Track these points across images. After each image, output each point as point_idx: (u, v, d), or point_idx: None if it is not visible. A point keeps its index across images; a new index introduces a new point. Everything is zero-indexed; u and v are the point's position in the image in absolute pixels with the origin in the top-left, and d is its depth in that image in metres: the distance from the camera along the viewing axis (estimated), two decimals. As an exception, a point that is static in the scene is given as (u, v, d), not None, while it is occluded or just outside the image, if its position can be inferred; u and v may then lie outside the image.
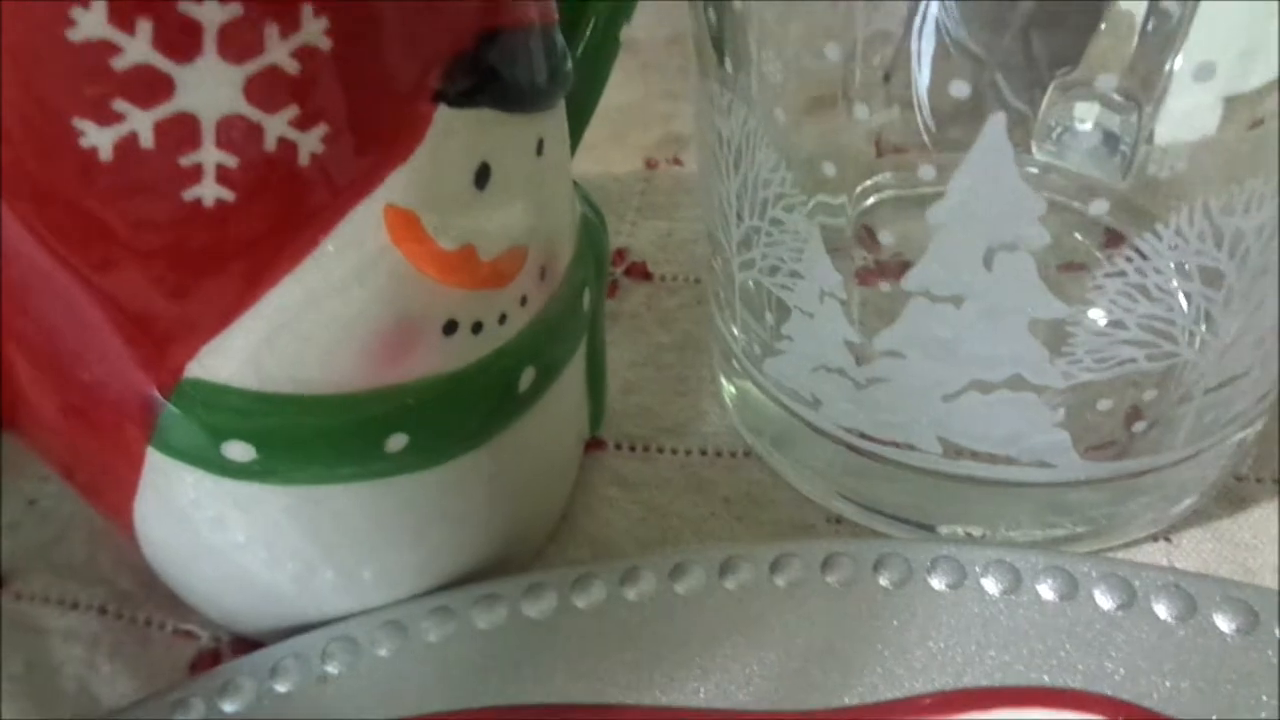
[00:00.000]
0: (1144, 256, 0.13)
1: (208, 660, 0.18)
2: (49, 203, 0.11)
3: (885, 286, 0.15)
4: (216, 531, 0.15)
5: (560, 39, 0.14)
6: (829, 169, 0.15)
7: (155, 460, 0.14)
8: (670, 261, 0.26)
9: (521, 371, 0.15)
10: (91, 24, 0.09)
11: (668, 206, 0.27)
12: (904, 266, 0.14)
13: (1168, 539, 0.18)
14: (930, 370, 0.15)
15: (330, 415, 0.13)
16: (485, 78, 0.12)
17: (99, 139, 0.10)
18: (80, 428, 0.14)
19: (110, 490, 0.15)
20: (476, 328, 0.14)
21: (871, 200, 0.21)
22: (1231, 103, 0.14)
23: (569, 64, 0.15)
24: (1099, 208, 0.14)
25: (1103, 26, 0.21)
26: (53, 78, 0.10)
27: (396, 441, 0.14)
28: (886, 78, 0.15)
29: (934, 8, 0.14)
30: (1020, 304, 0.14)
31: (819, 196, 0.15)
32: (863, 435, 0.17)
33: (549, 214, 0.15)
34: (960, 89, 0.13)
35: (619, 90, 0.20)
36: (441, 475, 0.15)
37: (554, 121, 0.15)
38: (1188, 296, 0.13)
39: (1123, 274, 0.13)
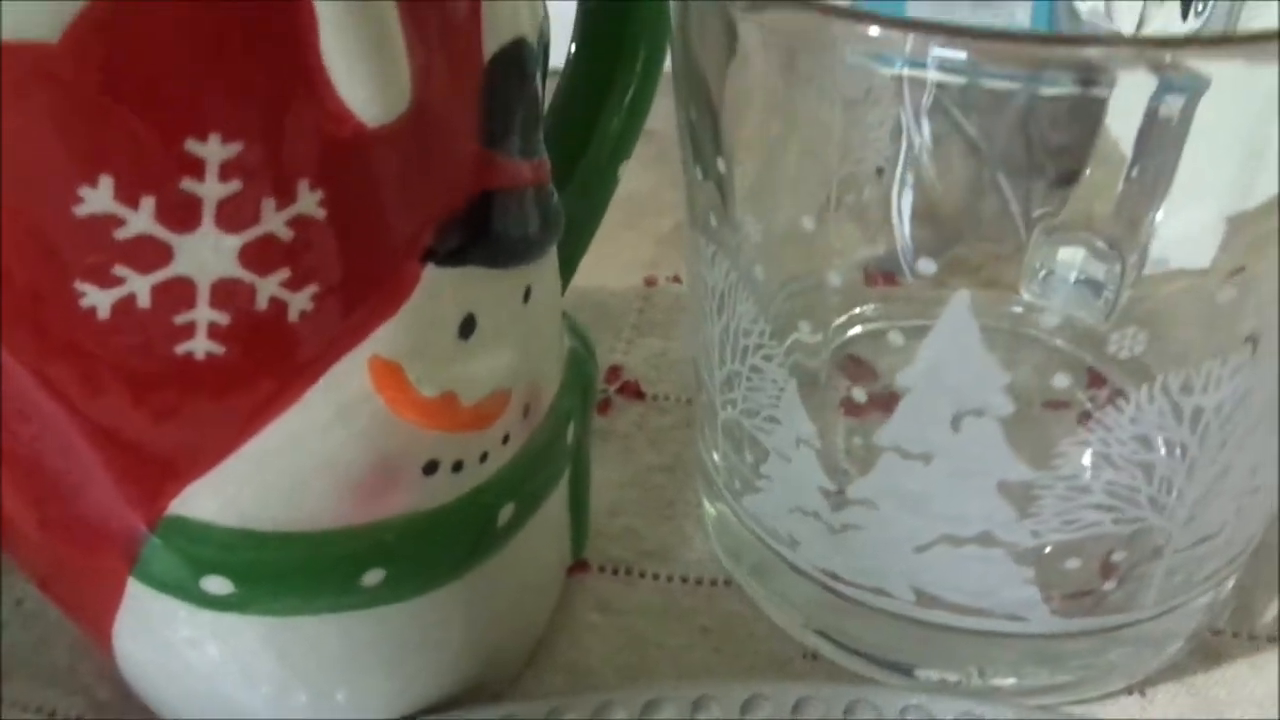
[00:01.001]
0: (1107, 428, 0.13)
1: (179, 777, 0.18)
2: (45, 346, 0.11)
3: (869, 419, 0.16)
4: (193, 654, 0.15)
5: (553, 193, 0.15)
6: (805, 327, 0.15)
7: (136, 588, 0.14)
8: (664, 381, 0.26)
9: (501, 507, 0.16)
10: (98, 200, 0.10)
11: (665, 325, 0.28)
12: (890, 398, 0.15)
13: (1142, 692, 0.18)
14: (902, 521, 0.15)
15: (308, 551, 0.14)
16: (475, 238, 0.13)
17: (98, 300, 0.11)
18: (61, 548, 0.14)
19: (89, 609, 0.15)
20: (457, 466, 0.15)
21: (857, 329, 0.22)
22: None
23: (560, 217, 0.15)
24: (1081, 356, 0.14)
25: (1087, 172, 0.22)
26: (58, 245, 0.10)
27: (373, 576, 0.14)
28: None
29: (918, 147, 0.15)
30: (988, 466, 0.14)
31: (796, 336, 0.16)
32: (838, 577, 0.17)
33: (534, 355, 0.16)
34: (934, 245, 0.14)
35: (632, 177, 0.20)
36: (417, 606, 0.16)
37: (543, 268, 0.15)
38: (1151, 466, 0.14)
39: (1087, 443, 0.14)
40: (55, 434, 0.12)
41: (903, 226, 0.16)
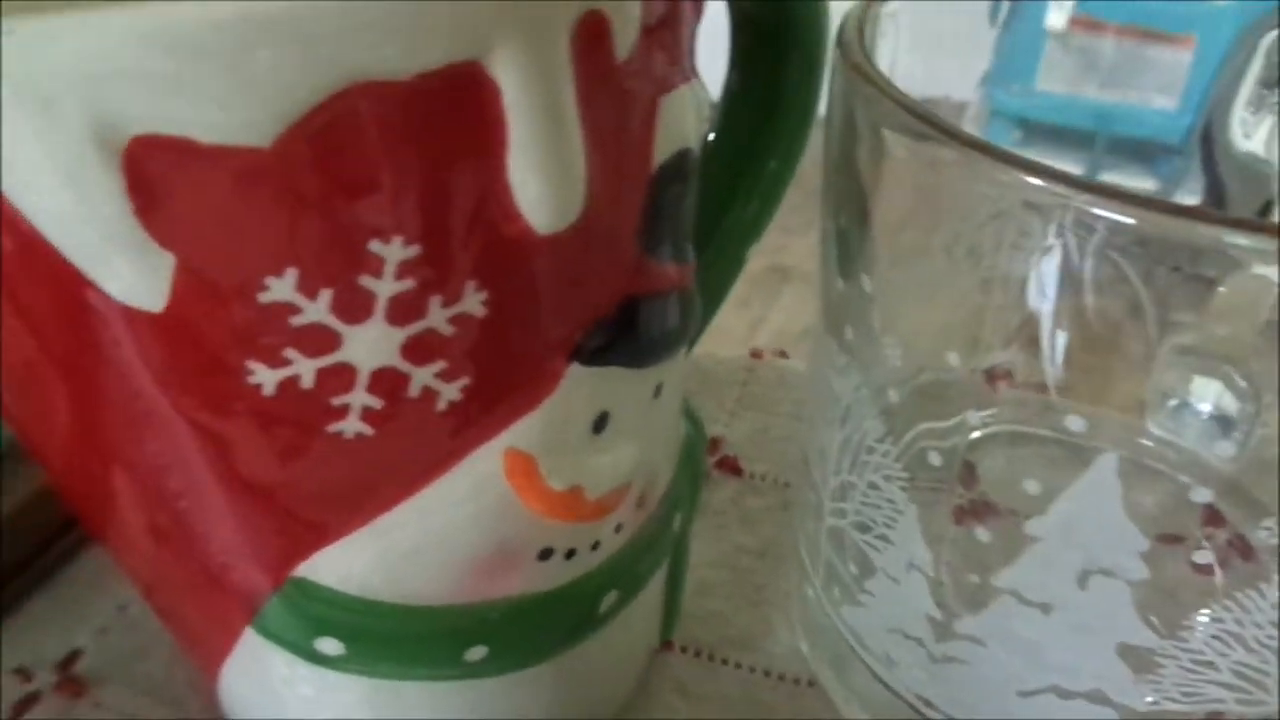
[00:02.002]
0: (1245, 609, 0.13)
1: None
2: (209, 412, 0.12)
3: (989, 556, 0.15)
4: (295, 700, 0.15)
5: (695, 296, 0.15)
6: (935, 457, 0.15)
7: (251, 637, 0.14)
8: (763, 459, 0.26)
9: (606, 594, 0.16)
10: (281, 290, 0.10)
11: (768, 401, 0.28)
12: (1015, 539, 0.14)
13: None
14: (1010, 664, 0.15)
15: (420, 624, 0.14)
16: (621, 340, 0.13)
17: (265, 378, 0.11)
18: (182, 590, 0.15)
19: (201, 643, 0.16)
20: (570, 554, 0.15)
21: (977, 434, 0.21)
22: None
23: (698, 317, 0.15)
24: (1201, 495, 0.14)
25: (1221, 290, 0.21)
26: (238, 326, 0.11)
27: (476, 652, 0.15)
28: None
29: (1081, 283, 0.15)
30: (1110, 626, 0.14)
31: (922, 461, 0.16)
32: (931, 704, 0.17)
33: (657, 447, 0.16)
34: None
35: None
36: (510, 681, 0.16)
37: (675, 364, 0.15)
38: (1287, 651, 0.13)
39: (1220, 620, 0.13)
40: (201, 491, 0.13)
41: (1054, 359, 0.15)
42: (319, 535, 0.13)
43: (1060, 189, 0.11)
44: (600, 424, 0.14)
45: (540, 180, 0.11)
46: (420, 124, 0.10)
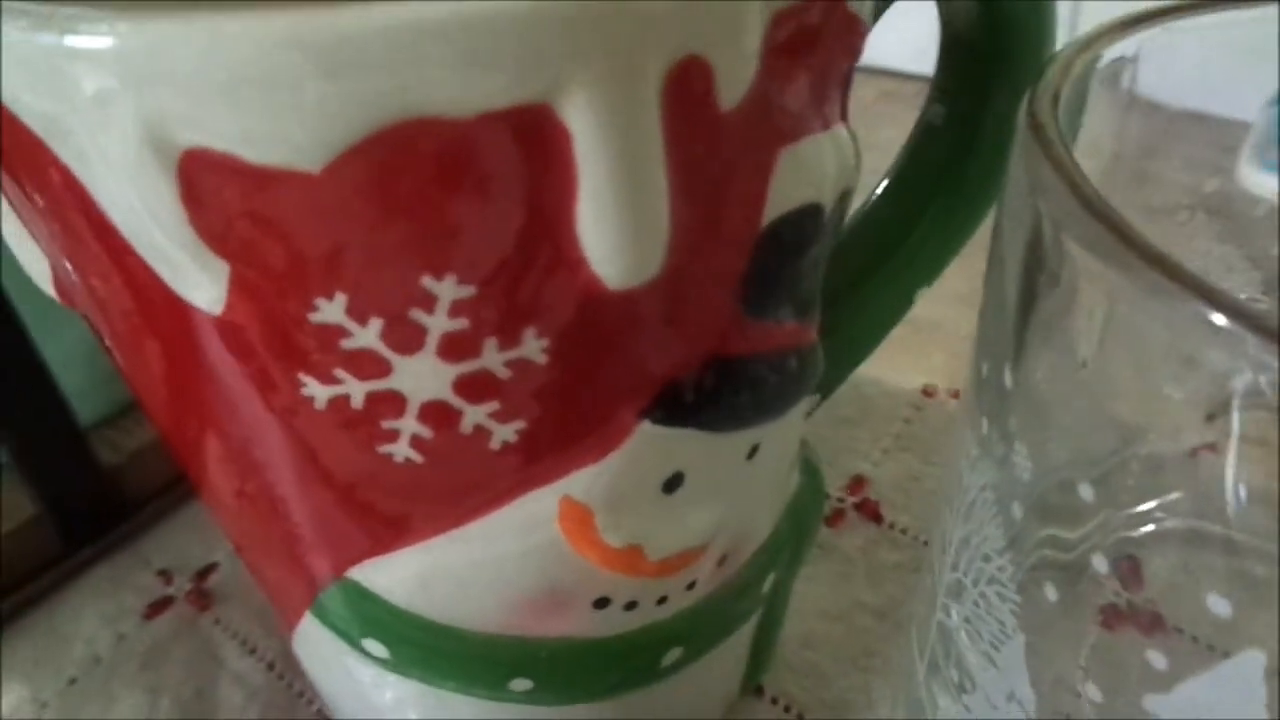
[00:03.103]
0: None
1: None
2: (271, 403, 0.12)
3: (1134, 635, 0.13)
4: (350, 680, 0.16)
5: (815, 355, 0.14)
6: (1051, 590, 0.13)
7: (312, 618, 0.15)
8: (907, 510, 0.24)
9: (668, 650, 0.15)
10: (331, 313, 0.10)
11: (928, 446, 0.26)
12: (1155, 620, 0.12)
13: None
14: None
15: (463, 647, 0.14)
16: (703, 404, 0.12)
17: (316, 392, 0.11)
18: (263, 557, 0.15)
19: (277, 607, 0.16)
20: (630, 605, 0.14)
21: (1140, 531, 0.19)
22: None
23: (810, 379, 0.14)
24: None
25: None
26: (292, 339, 0.10)
27: (521, 684, 0.14)
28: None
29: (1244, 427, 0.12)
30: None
31: (1037, 593, 0.14)
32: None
33: (746, 509, 0.15)
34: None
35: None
36: (562, 713, 0.15)
37: (781, 425, 0.14)
38: None
39: None
40: (279, 469, 0.13)
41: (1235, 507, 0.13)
42: (371, 543, 0.13)
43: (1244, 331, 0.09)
44: (673, 484, 0.13)
45: (613, 235, 0.10)
46: (480, 165, 0.09)
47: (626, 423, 0.12)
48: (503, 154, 0.09)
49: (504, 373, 0.11)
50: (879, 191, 0.19)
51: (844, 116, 0.13)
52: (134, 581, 0.23)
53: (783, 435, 0.14)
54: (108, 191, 0.10)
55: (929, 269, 0.19)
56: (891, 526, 0.24)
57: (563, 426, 0.12)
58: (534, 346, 0.11)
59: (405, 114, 0.09)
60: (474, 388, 0.11)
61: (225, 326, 0.11)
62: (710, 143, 0.10)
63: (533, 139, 0.09)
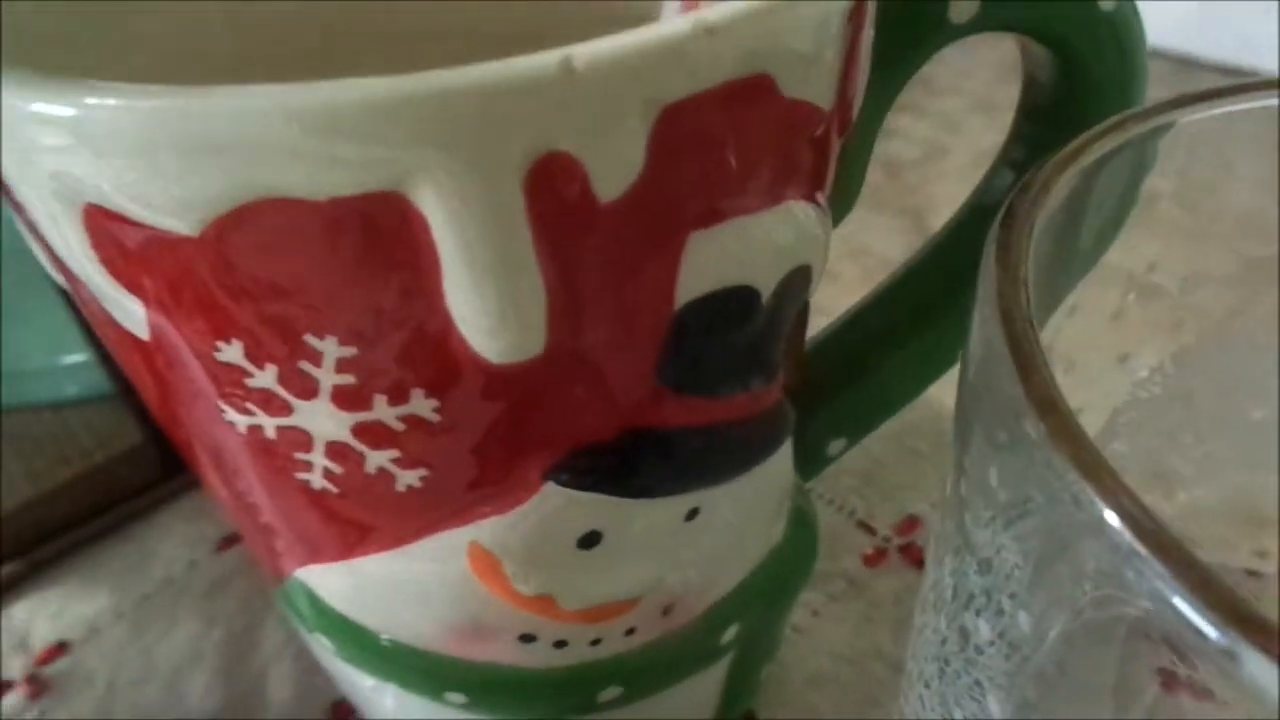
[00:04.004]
0: None
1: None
2: (208, 435, 0.13)
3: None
4: (325, 654, 0.17)
5: (763, 426, 0.13)
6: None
7: (280, 601, 0.16)
8: (955, 560, 0.23)
9: (605, 687, 0.15)
10: (231, 354, 0.11)
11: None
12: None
13: None
14: None
15: (398, 655, 0.14)
16: (615, 472, 0.12)
17: (235, 419, 0.12)
18: (246, 535, 0.16)
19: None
20: (559, 644, 0.14)
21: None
22: None
23: (766, 448, 0.13)
24: None
25: None
26: (209, 371, 0.11)
27: (456, 697, 0.15)
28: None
29: None
30: None
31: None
32: None
33: (691, 565, 0.14)
34: None
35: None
36: (505, 726, 0.16)
37: (728, 490, 0.14)
38: None
39: None
40: (232, 480, 0.14)
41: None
42: (309, 553, 0.14)
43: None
44: (589, 541, 0.13)
45: (481, 317, 0.10)
46: (337, 243, 0.09)
47: (532, 481, 0.12)
48: (359, 235, 0.09)
49: (398, 425, 0.11)
50: (930, 246, 0.18)
51: (817, 186, 0.12)
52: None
53: (738, 497, 0.14)
54: (47, 232, 0.11)
55: (932, 368, 0.18)
56: (933, 576, 0.22)
57: (465, 479, 0.12)
58: (424, 405, 0.11)
59: (260, 193, 0.09)
60: (372, 435, 0.11)
61: (156, 350, 0.11)
62: (589, 233, 0.10)
63: (389, 223, 0.09)
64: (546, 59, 0.09)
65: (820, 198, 0.12)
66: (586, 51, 0.09)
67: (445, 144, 0.09)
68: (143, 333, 0.11)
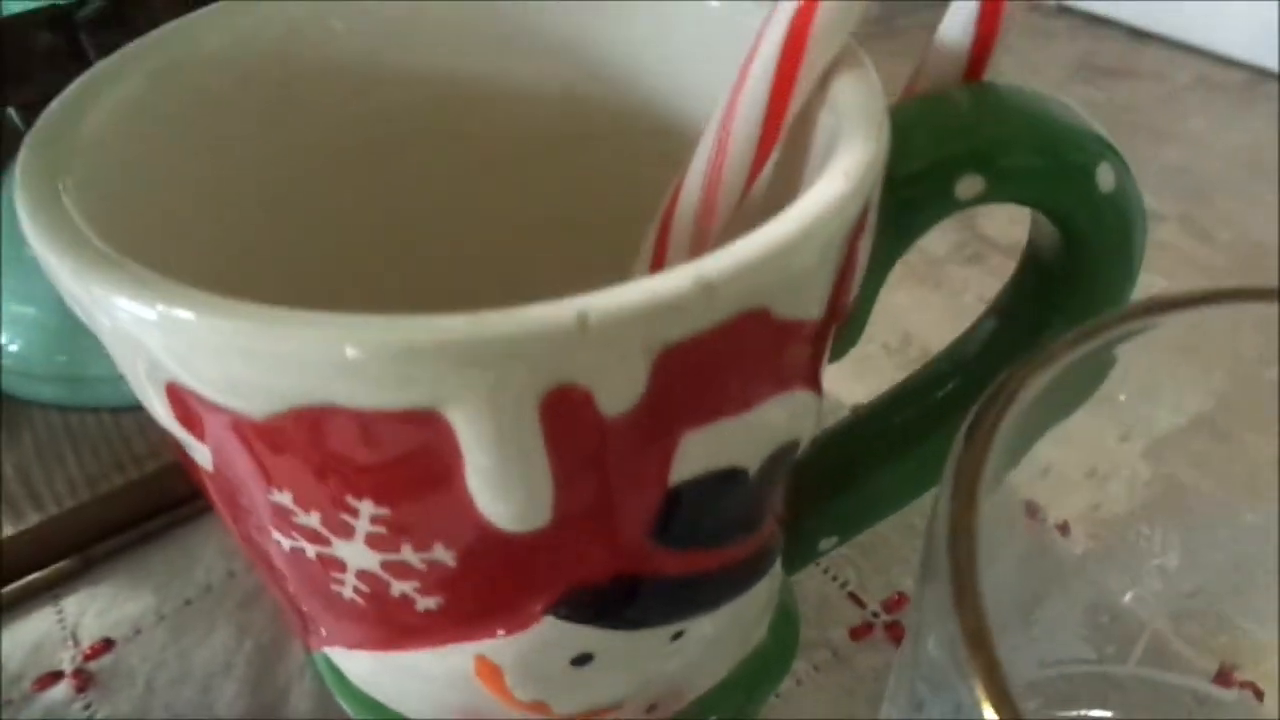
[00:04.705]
0: None
1: None
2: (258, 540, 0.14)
3: None
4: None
5: (748, 566, 0.15)
6: None
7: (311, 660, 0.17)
8: (935, 642, 0.24)
9: (590, 767, 0.17)
10: (282, 499, 0.12)
11: (983, 579, 0.25)
12: None
13: None
14: None
15: (407, 728, 0.16)
16: (609, 610, 0.14)
17: (280, 540, 0.13)
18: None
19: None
20: (551, 731, 0.16)
21: None
22: None
23: (751, 580, 0.15)
24: None
25: None
26: (257, 503, 0.13)
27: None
28: None
29: None
30: None
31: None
32: None
33: (675, 675, 0.16)
34: None
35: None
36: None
37: (716, 615, 0.15)
38: None
39: None
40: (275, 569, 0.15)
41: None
42: (335, 638, 0.15)
43: None
44: (582, 661, 0.14)
45: (496, 502, 0.11)
46: (378, 439, 0.11)
47: (534, 614, 0.13)
48: (397, 435, 0.11)
49: (420, 565, 0.13)
50: (928, 370, 0.19)
51: (811, 374, 0.13)
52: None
53: (723, 616, 0.16)
54: (131, 379, 0.12)
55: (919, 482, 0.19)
56: (913, 655, 0.24)
57: (474, 608, 0.13)
58: (444, 554, 0.12)
59: (314, 400, 0.10)
60: (397, 570, 0.13)
61: (217, 477, 0.13)
62: (593, 440, 0.11)
63: (422, 428, 0.11)
64: (564, 312, 0.10)
65: (813, 382, 0.13)
66: (599, 307, 0.10)
67: (473, 382, 0.10)
68: (207, 465, 0.13)
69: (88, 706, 0.24)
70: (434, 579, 0.13)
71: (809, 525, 0.19)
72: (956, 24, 0.16)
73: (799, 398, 0.13)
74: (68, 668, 0.25)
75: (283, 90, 0.18)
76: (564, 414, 0.11)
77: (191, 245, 0.16)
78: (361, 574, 0.13)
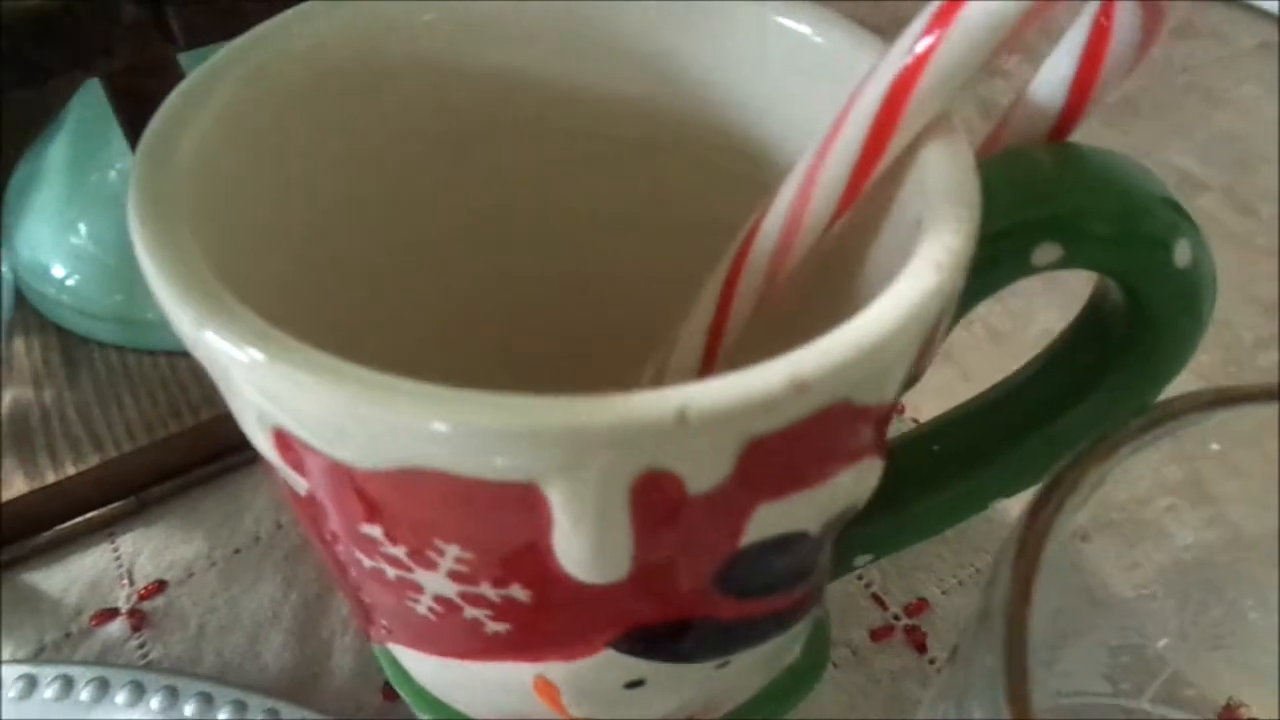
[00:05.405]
0: None
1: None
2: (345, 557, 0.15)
3: None
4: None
5: (797, 609, 0.15)
6: None
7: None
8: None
9: (628, 767, 0.18)
10: (372, 531, 0.13)
11: (1005, 590, 0.26)
12: None
13: None
14: None
15: (460, 722, 0.17)
16: (667, 648, 0.14)
17: (364, 560, 0.14)
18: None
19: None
20: (597, 738, 0.17)
21: None
22: None
23: (796, 621, 0.16)
24: None
25: None
26: (351, 533, 0.13)
27: (503, 756, 0.18)
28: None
29: None
30: None
31: None
32: None
33: (717, 692, 0.17)
34: None
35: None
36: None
37: (759, 649, 0.16)
38: None
39: None
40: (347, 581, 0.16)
41: None
42: (402, 640, 0.16)
43: None
44: (635, 685, 0.15)
45: (580, 564, 0.12)
46: (475, 502, 0.11)
47: (596, 646, 0.14)
48: (492, 500, 0.11)
49: (496, 598, 0.13)
50: (987, 403, 0.19)
51: (879, 445, 0.14)
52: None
53: (766, 648, 0.16)
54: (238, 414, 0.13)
55: (1011, 486, 0.19)
56: (932, 662, 0.25)
57: (541, 636, 0.14)
58: (519, 592, 0.13)
59: (417, 463, 0.11)
60: (473, 600, 0.14)
61: (310, 502, 0.14)
62: (678, 516, 0.12)
63: (518, 497, 0.11)
64: (664, 407, 0.10)
65: (881, 450, 0.14)
66: (697, 405, 0.10)
67: (571, 466, 0.11)
68: (301, 491, 0.13)
69: (142, 645, 0.25)
70: (506, 610, 0.14)
71: (846, 544, 0.20)
72: (1050, 82, 0.16)
73: (866, 464, 0.14)
74: (123, 606, 0.26)
75: (368, 87, 0.18)
76: (652, 494, 0.11)
77: (282, 249, 0.16)
78: (438, 598, 0.14)
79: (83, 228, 0.30)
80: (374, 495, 0.12)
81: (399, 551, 0.13)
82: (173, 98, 0.15)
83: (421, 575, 0.13)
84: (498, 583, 0.13)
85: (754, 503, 0.12)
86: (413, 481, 0.11)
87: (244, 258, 0.14)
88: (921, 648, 0.25)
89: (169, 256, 0.12)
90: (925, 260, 0.12)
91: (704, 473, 0.11)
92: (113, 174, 0.31)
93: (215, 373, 0.12)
